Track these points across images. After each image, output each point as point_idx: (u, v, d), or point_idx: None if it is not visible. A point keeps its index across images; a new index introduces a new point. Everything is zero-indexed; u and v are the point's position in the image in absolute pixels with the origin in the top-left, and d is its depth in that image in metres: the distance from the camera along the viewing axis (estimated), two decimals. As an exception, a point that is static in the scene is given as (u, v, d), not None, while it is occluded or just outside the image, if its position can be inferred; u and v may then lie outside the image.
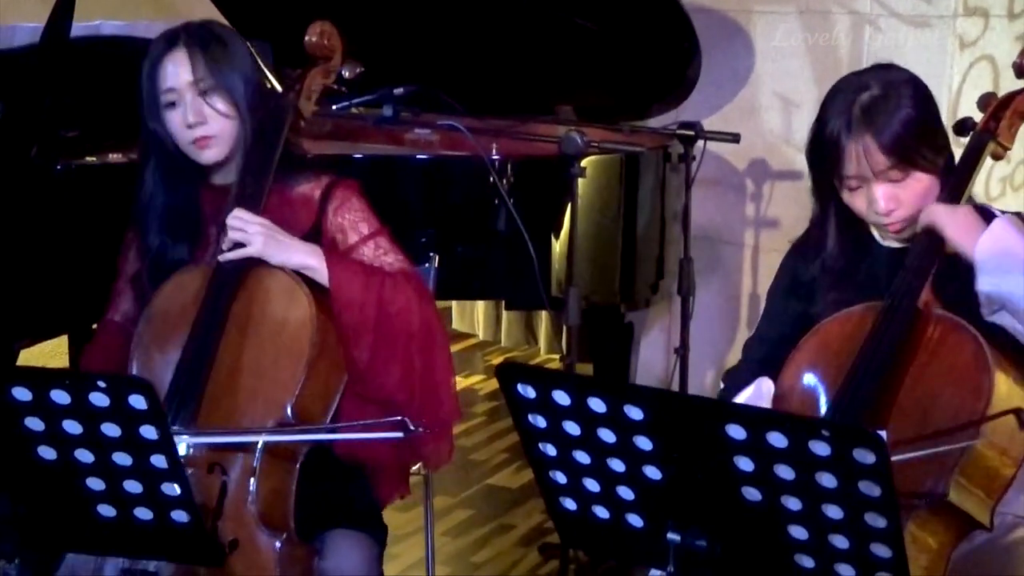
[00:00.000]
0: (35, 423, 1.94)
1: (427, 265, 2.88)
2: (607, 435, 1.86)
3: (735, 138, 3.89)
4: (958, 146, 2.39)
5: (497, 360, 5.69)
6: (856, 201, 2.33)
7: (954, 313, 2.23)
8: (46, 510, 2.04)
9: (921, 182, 2.30)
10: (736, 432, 1.77)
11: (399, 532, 3.79)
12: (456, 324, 6.07)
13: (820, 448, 1.74)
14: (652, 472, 1.87)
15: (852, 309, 2.32)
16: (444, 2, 4.13)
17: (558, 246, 3.65)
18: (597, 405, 1.84)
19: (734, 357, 2.60)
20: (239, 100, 2.54)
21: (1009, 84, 2.47)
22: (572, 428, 1.88)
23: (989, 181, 4.13)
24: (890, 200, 2.29)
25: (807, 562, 1.85)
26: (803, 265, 2.47)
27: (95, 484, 1.98)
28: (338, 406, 2.49)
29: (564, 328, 3.66)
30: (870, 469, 1.73)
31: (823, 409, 2.27)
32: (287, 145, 2.59)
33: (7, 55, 3.46)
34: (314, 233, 2.57)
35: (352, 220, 2.58)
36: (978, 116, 2.41)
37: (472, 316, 6.05)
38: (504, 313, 5.85)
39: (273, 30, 3.62)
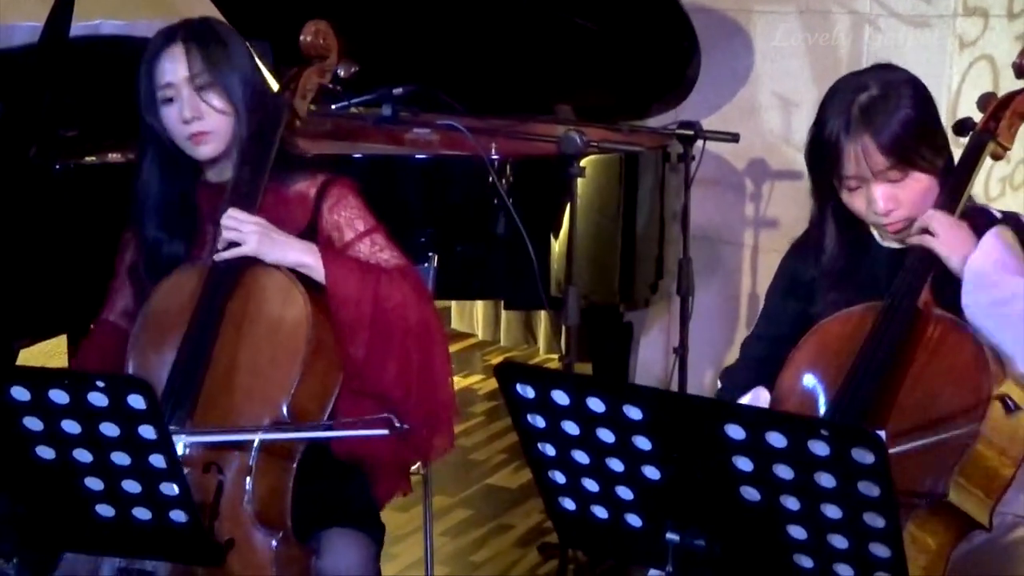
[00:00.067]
0: (34, 423, 1.94)
1: (426, 265, 2.88)
2: (606, 435, 1.86)
3: (734, 138, 3.89)
4: (958, 146, 2.39)
5: (496, 360, 5.68)
6: (855, 201, 2.33)
7: (953, 313, 2.23)
8: (45, 510, 2.04)
9: (920, 182, 2.30)
10: (735, 432, 1.77)
11: (398, 532, 3.79)
12: (455, 324, 6.06)
13: (819, 448, 1.74)
14: (651, 472, 1.87)
15: (852, 309, 2.32)
16: (444, 2, 4.13)
17: (557, 246, 3.65)
18: (596, 405, 1.84)
19: (733, 357, 2.60)
20: (235, 97, 2.54)
21: (1008, 84, 2.47)
22: (571, 428, 1.88)
23: (988, 181, 4.12)
24: (889, 200, 2.29)
25: (806, 562, 1.85)
26: (802, 265, 2.47)
27: (94, 484, 1.98)
28: (335, 404, 2.49)
29: (563, 328, 3.67)
30: (869, 469, 1.73)
31: (823, 409, 2.27)
32: (283, 144, 2.59)
33: (6, 55, 3.46)
34: (310, 231, 2.57)
35: (348, 217, 2.59)
36: (978, 116, 2.41)
37: (471, 316, 6.05)
38: (503, 313, 5.85)
39: (272, 29, 3.62)
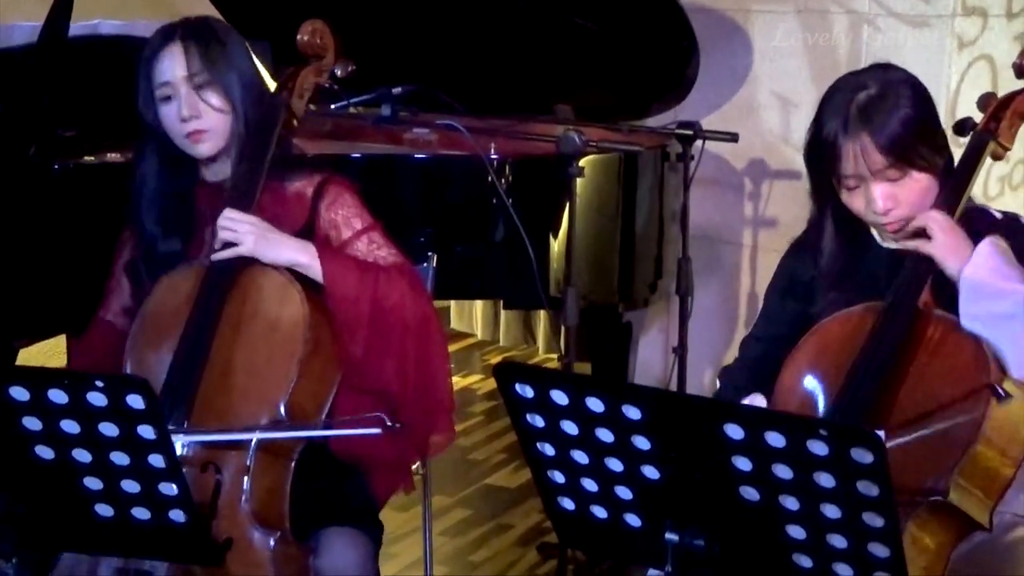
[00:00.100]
0: (33, 423, 1.94)
1: (425, 264, 2.88)
2: (605, 435, 1.86)
3: (733, 138, 3.89)
4: (958, 146, 2.39)
5: (495, 360, 5.68)
6: (854, 201, 2.33)
7: (953, 313, 2.22)
8: (44, 509, 2.04)
9: (919, 182, 2.30)
10: (734, 432, 1.77)
11: (397, 532, 3.79)
12: (454, 324, 6.07)
13: (818, 448, 1.74)
14: (650, 472, 1.87)
15: (852, 309, 2.32)
16: (444, 2, 4.13)
17: (556, 246, 3.65)
18: (595, 405, 1.84)
19: (732, 356, 2.60)
20: (234, 95, 2.55)
21: (1007, 84, 2.47)
22: (570, 428, 1.88)
23: (987, 180, 4.13)
24: (888, 199, 2.29)
25: (805, 561, 1.85)
26: (801, 265, 2.47)
27: (93, 484, 1.98)
28: (333, 401, 2.50)
29: (562, 328, 3.67)
30: (868, 469, 1.73)
31: (823, 409, 2.27)
32: (280, 143, 2.59)
33: (5, 54, 3.46)
34: (307, 230, 2.58)
35: (345, 216, 2.59)
36: (978, 116, 2.41)
37: (470, 316, 6.05)
38: (502, 313, 5.85)
39: (272, 29, 3.62)
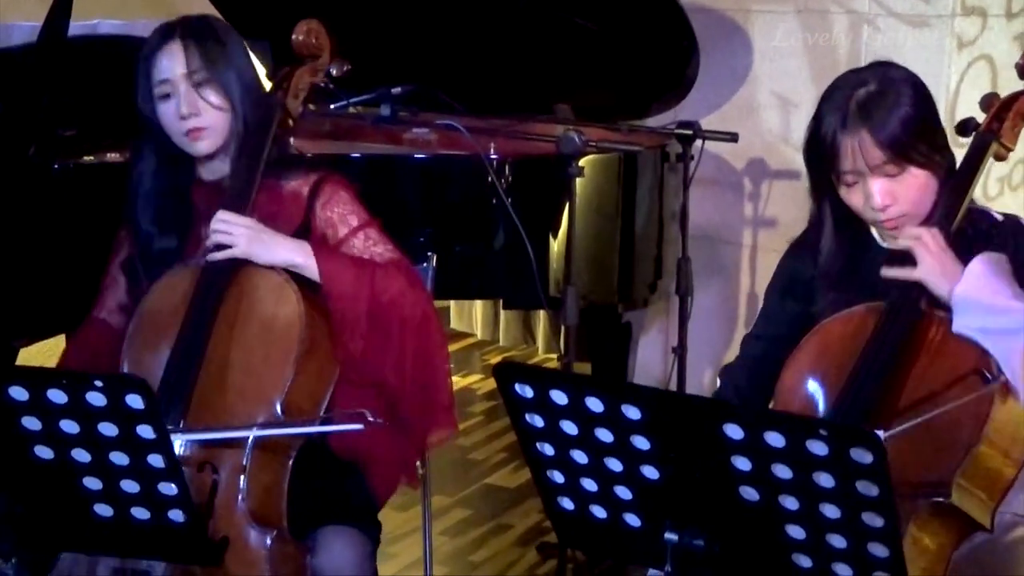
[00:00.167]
0: (32, 422, 1.94)
1: (425, 264, 2.88)
2: (605, 435, 1.86)
3: (733, 137, 3.89)
4: (959, 147, 2.39)
5: (495, 359, 5.69)
6: (852, 197, 2.33)
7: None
8: (43, 509, 2.03)
9: (917, 178, 2.30)
10: (734, 432, 1.77)
11: (397, 532, 3.79)
12: (454, 323, 6.07)
13: (818, 448, 1.74)
14: (650, 472, 1.87)
15: (854, 310, 2.32)
16: (444, 1, 4.13)
17: (556, 245, 3.65)
18: (595, 404, 1.84)
19: (732, 356, 2.60)
20: (233, 94, 2.56)
21: (1007, 83, 2.47)
22: (570, 428, 1.88)
23: (987, 180, 4.12)
24: (886, 195, 2.29)
25: (805, 561, 1.85)
26: (801, 265, 2.47)
27: (92, 483, 1.98)
28: (333, 396, 2.50)
29: (562, 328, 3.67)
30: (868, 469, 1.73)
31: (824, 410, 2.27)
32: (277, 143, 2.60)
33: (5, 54, 3.46)
34: (304, 230, 2.58)
35: (341, 213, 2.60)
36: (979, 116, 2.41)
37: (470, 315, 6.05)
38: (502, 312, 5.85)
39: (272, 29, 3.62)
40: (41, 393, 1.91)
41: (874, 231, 2.41)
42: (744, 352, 2.56)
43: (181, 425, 2.34)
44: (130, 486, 1.98)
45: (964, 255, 2.24)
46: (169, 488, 1.97)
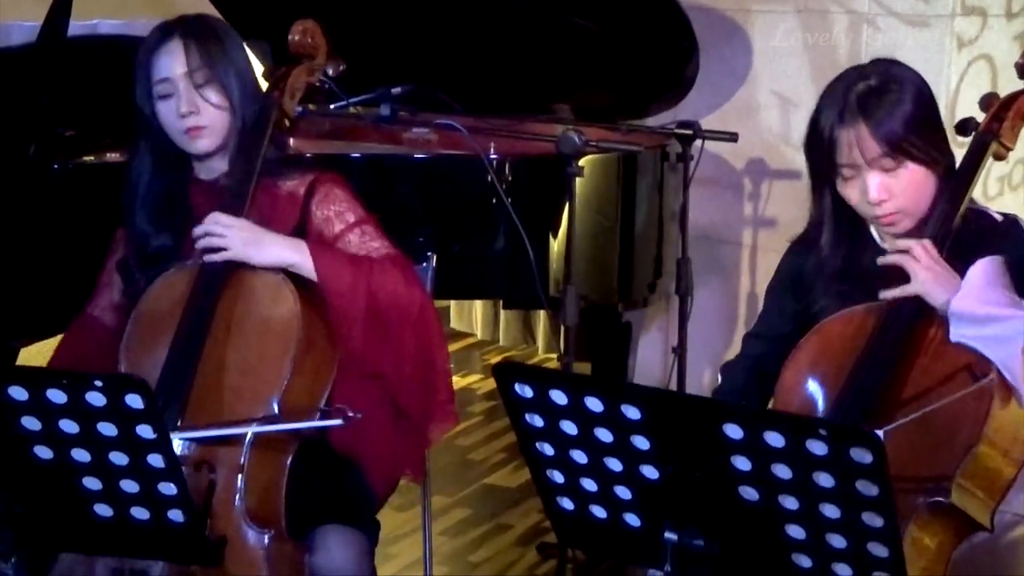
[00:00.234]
0: (31, 422, 1.94)
1: (425, 264, 2.88)
2: (604, 434, 1.86)
3: (733, 137, 3.89)
4: (959, 146, 2.39)
5: (495, 359, 5.68)
6: (850, 191, 2.33)
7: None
8: (43, 509, 2.03)
9: (915, 174, 2.30)
10: (733, 431, 1.77)
11: (396, 532, 3.79)
12: (454, 323, 6.06)
13: (817, 447, 1.74)
14: (649, 471, 1.87)
15: (854, 309, 2.32)
16: (444, 1, 4.13)
17: (556, 245, 3.65)
18: (594, 404, 1.84)
19: (732, 356, 2.60)
20: (232, 93, 2.56)
21: (1007, 83, 2.47)
22: (569, 427, 1.88)
23: (987, 180, 4.13)
24: (882, 190, 2.29)
25: (804, 561, 1.84)
26: (801, 264, 2.47)
27: (92, 483, 1.98)
28: (333, 391, 2.50)
29: (562, 327, 3.66)
30: (867, 468, 1.73)
31: (824, 409, 2.27)
32: (274, 143, 2.60)
33: (4, 54, 3.46)
34: (300, 229, 2.58)
35: (337, 210, 2.60)
36: (979, 116, 2.41)
37: (470, 315, 6.05)
38: (502, 312, 5.85)
39: (271, 29, 3.62)
40: (41, 393, 1.91)
41: (873, 231, 2.41)
42: (745, 350, 2.56)
43: (179, 425, 2.34)
44: (130, 486, 1.98)
45: (963, 256, 2.24)
46: (169, 488, 1.97)
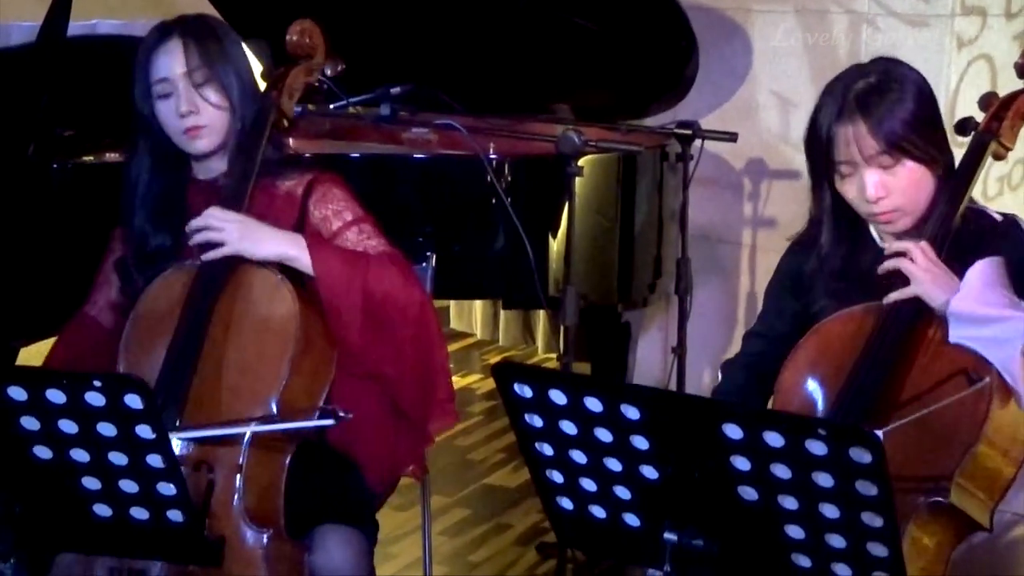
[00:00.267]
0: (31, 422, 1.94)
1: (424, 264, 2.88)
2: (604, 434, 1.86)
3: (732, 137, 3.89)
4: (958, 146, 2.39)
5: (495, 359, 5.68)
6: (847, 189, 2.33)
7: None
8: (42, 510, 2.03)
9: (913, 172, 2.30)
10: (732, 431, 1.77)
11: (396, 532, 3.79)
12: (454, 323, 6.06)
13: (817, 447, 1.74)
14: (649, 471, 1.87)
15: (853, 309, 2.32)
16: (444, 1, 4.13)
17: (555, 245, 3.65)
18: (593, 404, 1.84)
19: (731, 356, 2.60)
20: (232, 93, 2.56)
21: (1007, 83, 2.47)
22: (569, 427, 1.88)
23: (986, 180, 4.12)
24: (879, 188, 2.29)
25: (804, 561, 1.85)
26: (801, 263, 2.47)
27: (91, 484, 1.98)
28: (332, 390, 2.50)
29: (561, 327, 3.66)
30: (867, 468, 1.73)
31: (823, 409, 2.27)
32: (272, 143, 2.60)
33: (4, 54, 3.46)
34: (298, 229, 2.58)
35: (335, 209, 2.60)
36: (979, 116, 2.41)
37: (470, 315, 6.05)
38: (502, 312, 5.85)
39: (271, 29, 3.62)
40: (40, 393, 1.91)
41: (873, 231, 2.41)
42: (745, 348, 2.56)
43: (177, 425, 2.34)
44: (129, 486, 1.98)
45: (962, 256, 2.24)
46: (168, 488, 1.97)
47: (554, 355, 5.34)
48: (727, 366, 2.58)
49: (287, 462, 2.41)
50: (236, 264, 2.48)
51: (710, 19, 4.35)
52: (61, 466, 1.97)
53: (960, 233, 2.30)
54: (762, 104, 4.41)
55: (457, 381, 5.26)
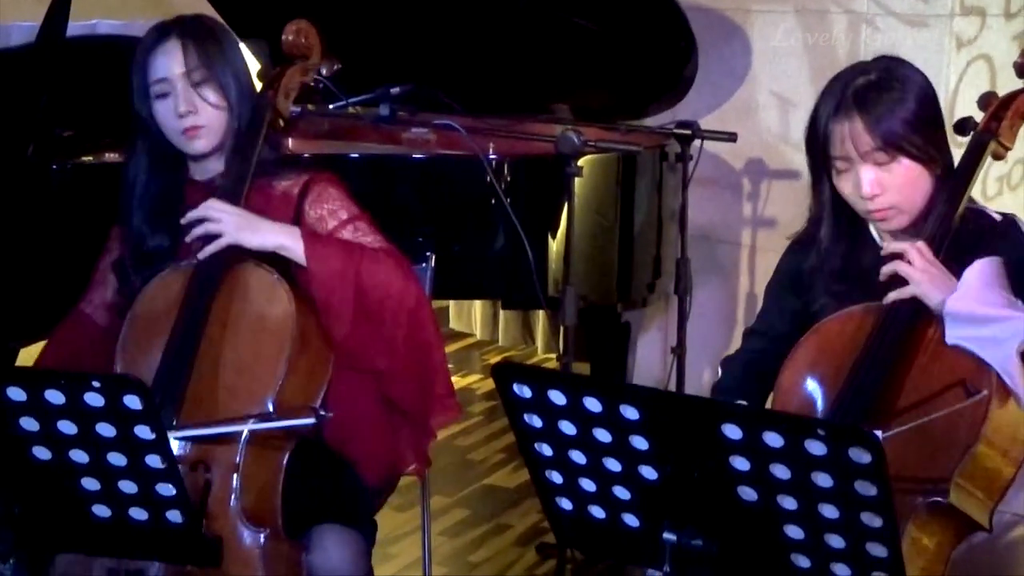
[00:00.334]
0: (30, 423, 1.94)
1: (424, 264, 2.88)
2: (603, 435, 1.86)
3: (732, 137, 3.89)
4: (958, 146, 2.39)
5: (494, 359, 5.68)
6: (844, 185, 2.34)
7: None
8: (41, 510, 2.03)
9: (908, 170, 2.30)
10: (732, 432, 1.77)
11: (396, 532, 3.79)
12: (453, 323, 6.06)
13: (816, 448, 1.74)
14: (648, 472, 1.87)
15: (852, 309, 2.32)
16: (443, 1, 4.13)
17: (555, 245, 3.65)
18: (593, 405, 1.84)
19: (731, 356, 2.61)
20: (230, 93, 2.56)
21: (1006, 83, 2.47)
22: (568, 428, 1.88)
23: (986, 180, 4.12)
24: (875, 184, 2.29)
25: (803, 562, 1.84)
26: (801, 261, 2.47)
27: (90, 484, 1.98)
28: (330, 387, 2.50)
29: (561, 327, 3.66)
30: (866, 469, 1.73)
31: (823, 409, 2.27)
32: (269, 143, 2.60)
33: (3, 54, 3.46)
34: None
35: (331, 208, 2.60)
36: (978, 115, 2.40)
37: (469, 315, 6.05)
38: (501, 312, 5.85)
39: (270, 29, 3.62)
40: (39, 394, 1.91)
41: (873, 231, 2.41)
42: (745, 346, 2.57)
43: (174, 424, 2.34)
44: (128, 487, 1.98)
45: (961, 256, 2.24)
46: (167, 489, 1.97)
47: (554, 355, 5.34)
48: (727, 362, 2.58)
49: (284, 461, 2.41)
50: (233, 263, 2.48)
51: (709, 19, 4.35)
52: (60, 467, 1.97)
53: (959, 233, 2.30)
54: (761, 104, 4.41)
55: (457, 381, 5.26)
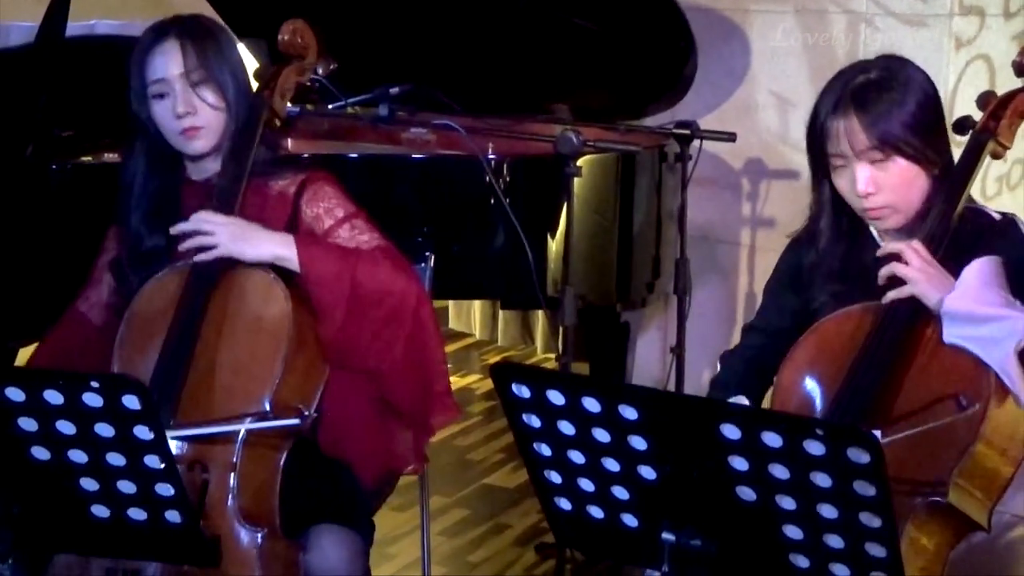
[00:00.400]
0: (28, 423, 1.94)
1: (423, 264, 2.88)
2: (602, 435, 1.86)
3: (731, 137, 3.89)
4: (957, 145, 2.39)
5: (494, 359, 5.68)
6: (841, 181, 2.34)
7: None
8: (40, 511, 2.03)
9: (905, 170, 2.30)
10: (730, 432, 1.77)
11: (395, 532, 3.79)
12: (452, 323, 6.06)
13: (814, 447, 1.74)
14: (647, 472, 1.87)
15: (851, 309, 2.32)
16: (443, 1, 4.13)
17: (554, 245, 3.65)
18: (591, 405, 1.84)
19: (730, 355, 2.61)
20: (228, 93, 2.56)
21: (1005, 82, 2.47)
22: (567, 428, 1.88)
23: (985, 179, 4.13)
24: (870, 183, 2.30)
25: (802, 562, 1.84)
26: (801, 258, 2.47)
27: (89, 484, 1.98)
28: (327, 388, 2.50)
29: (560, 327, 3.66)
30: (865, 469, 1.73)
31: (822, 409, 2.27)
32: (265, 143, 2.60)
33: (3, 54, 3.46)
34: (290, 228, 2.58)
35: (327, 207, 2.60)
36: (977, 115, 2.40)
37: (468, 315, 6.05)
38: (500, 312, 5.85)
39: (269, 28, 3.62)
40: (37, 394, 1.91)
41: (873, 230, 2.41)
42: (744, 341, 2.57)
43: (171, 424, 2.34)
44: (127, 487, 1.98)
45: (960, 255, 2.24)
46: (166, 489, 1.97)
47: (553, 355, 5.35)
48: (726, 357, 2.58)
49: (282, 461, 2.41)
50: (229, 264, 2.48)
51: (709, 19, 4.35)
52: (59, 467, 1.97)
53: (958, 232, 2.30)
54: (761, 104, 4.42)
55: (456, 381, 5.26)
